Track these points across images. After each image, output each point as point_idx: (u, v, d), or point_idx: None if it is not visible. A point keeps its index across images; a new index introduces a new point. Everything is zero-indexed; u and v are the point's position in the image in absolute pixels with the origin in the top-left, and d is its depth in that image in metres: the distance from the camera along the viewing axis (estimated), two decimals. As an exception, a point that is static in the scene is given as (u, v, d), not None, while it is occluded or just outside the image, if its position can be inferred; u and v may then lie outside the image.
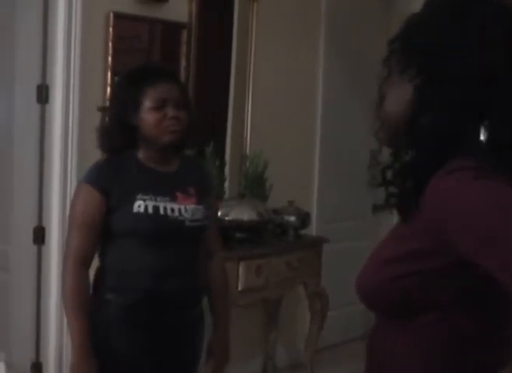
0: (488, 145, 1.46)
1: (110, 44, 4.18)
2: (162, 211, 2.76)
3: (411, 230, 1.46)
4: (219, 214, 4.23)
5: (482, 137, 1.48)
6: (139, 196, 2.75)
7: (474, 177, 1.36)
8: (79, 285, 2.76)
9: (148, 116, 2.76)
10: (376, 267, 1.53)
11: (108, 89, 4.16)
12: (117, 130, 2.82)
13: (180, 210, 2.80)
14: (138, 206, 2.74)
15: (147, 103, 2.76)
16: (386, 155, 1.55)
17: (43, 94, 4.05)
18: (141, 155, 2.85)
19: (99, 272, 2.86)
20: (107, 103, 4.04)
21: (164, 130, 2.77)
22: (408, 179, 1.48)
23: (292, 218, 4.88)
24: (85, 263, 2.79)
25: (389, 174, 1.52)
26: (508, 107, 1.42)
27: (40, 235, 4.11)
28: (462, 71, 1.42)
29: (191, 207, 2.82)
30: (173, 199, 2.80)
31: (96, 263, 2.87)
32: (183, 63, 4.55)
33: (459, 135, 1.43)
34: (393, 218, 1.57)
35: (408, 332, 1.50)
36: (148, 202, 2.75)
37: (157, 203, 2.76)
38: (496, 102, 1.42)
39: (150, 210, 2.74)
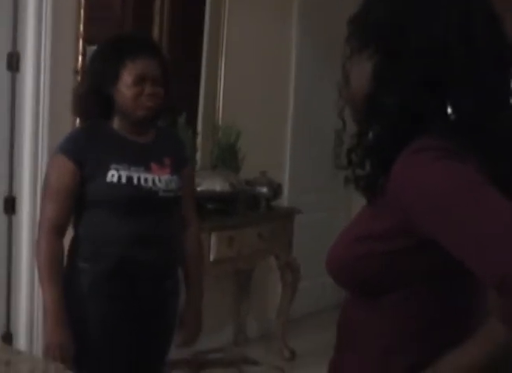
0: (453, 122, 1.45)
1: (82, 12, 4.13)
2: (135, 181, 2.75)
3: (379, 209, 1.46)
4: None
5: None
6: (113, 166, 2.74)
7: (436, 157, 1.35)
8: (53, 253, 2.76)
9: (125, 90, 2.75)
10: (346, 245, 1.53)
11: (80, 58, 4.12)
12: (93, 99, 2.82)
13: (153, 180, 2.79)
14: (112, 175, 2.73)
15: (126, 77, 2.75)
16: (350, 134, 1.53)
17: (13, 62, 4.00)
18: (116, 124, 2.84)
19: (74, 241, 2.85)
20: (79, 72, 4.01)
21: (139, 106, 2.77)
22: (372, 160, 1.48)
23: (265, 189, 4.88)
24: (60, 232, 2.79)
25: (354, 156, 1.51)
26: (466, 81, 1.41)
27: (10, 205, 4.08)
28: (416, 47, 1.41)
29: (165, 177, 2.82)
30: (148, 169, 2.80)
31: (70, 233, 2.86)
32: (155, 32, 4.53)
33: (421, 112, 1.42)
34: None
35: (378, 309, 1.50)
36: (121, 172, 2.74)
37: (131, 173, 2.75)
38: (454, 76, 1.41)
39: (124, 179, 2.73)
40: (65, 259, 2.82)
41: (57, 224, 2.77)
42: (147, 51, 2.80)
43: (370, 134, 1.48)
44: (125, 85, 2.75)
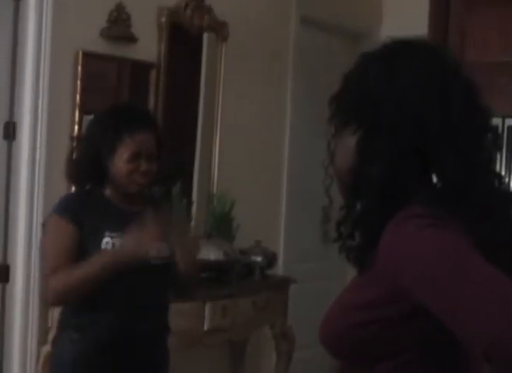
0: (439, 191, 1.47)
1: (79, 83, 4.18)
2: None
3: (370, 278, 1.47)
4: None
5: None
6: (107, 234, 2.74)
7: (423, 226, 1.37)
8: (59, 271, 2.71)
9: (121, 164, 2.77)
10: (337, 315, 1.53)
11: (76, 127, 4.15)
12: (88, 167, 2.83)
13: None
14: (106, 243, 2.73)
15: (122, 152, 2.76)
16: (337, 210, 1.55)
17: (10, 131, 4.03)
18: (108, 192, 2.85)
19: (64, 311, 2.83)
20: (74, 142, 4.04)
21: (133, 182, 2.79)
22: (361, 232, 1.49)
23: (259, 258, 4.87)
24: None
25: (343, 228, 1.53)
26: (449, 152, 1.43)
27: (4, 273, 4.06)
28: (394, 121, 1.44)
29: (156, 244, 2.81)
30: (139, 237, 2.79)
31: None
32: (151, 102, 4.56)
33: (406, 183, 1.44)
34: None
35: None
36: (115, 239, 2.74)
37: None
38: (436, 147, 1.43)
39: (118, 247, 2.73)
40: (54, 329, 2.79)
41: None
42: (144, 126, 2.82)
43: (358, 207, 1.50)
44: (121, 160, 2.76)
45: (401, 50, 1.52)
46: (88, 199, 2.83)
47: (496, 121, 1.52)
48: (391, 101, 1.45)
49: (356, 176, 1.48)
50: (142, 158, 2.78)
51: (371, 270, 1.46)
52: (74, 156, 2.97)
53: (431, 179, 1.50)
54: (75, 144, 3.98)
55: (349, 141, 1.51)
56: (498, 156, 1.54)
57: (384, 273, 1.41)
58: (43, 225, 2.87)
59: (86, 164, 2.83)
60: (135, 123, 2.80)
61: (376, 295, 1.45)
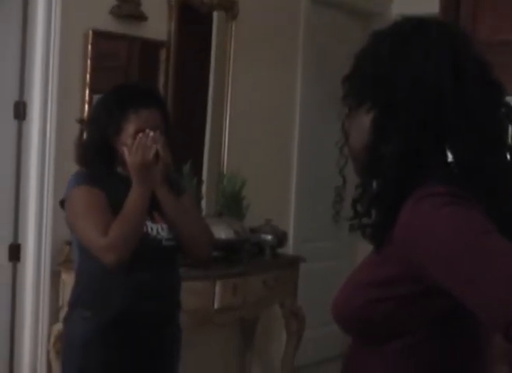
0: (455, 167, 1.47)
1: (89, 62, 4.18)
2: (144, 229, 2.75)
3: (386, 256, 1.47)
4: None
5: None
6: None
7: (442, 203, 1.37)
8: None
9: (128, 141, 2.74)
10: (352, 291, 1.54)
11: (86, 107, 4.15)
12: (96, 149, 2.81)
13: (157, 229, 2.79)
14: None
15: (129, 129, 2.74)
16: (350, 190, 1.55)
17: (20, 111, 4.04)
18: (119, 170, 2.84)
19: (75, 289, 2.84)
20: (85, 118, 4.04)
21: None
22: (378, 209, 1.50)
23: (269, 237, 4.87)
24: None
25: (359, 206, 1.53)
26: (463, 126, 1.44)
27: (15, 252, 4.08)
28: (411, 97, 1.44)
29: (166, 225, 2.82)
30: (152, 218, 2.79)
31: (71, 281, 2.84)
32: (161, 81, 4.56)
33: (422, 160, 1.45)
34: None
35: (382, 356, 1.50)
36: None
37: None
38: (451, 122, 1.44)
39: None
40: (65, 308, 2.79)
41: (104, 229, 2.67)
42: (150, 103, 2.80)
43: (374, 184, 1.50)
44: (128, 137, 2.74)
45: (413, 27, 1.52)
46: (102, 176, 2.81)
47: (508, 100, 1.51)
48: (405, 77, 1.46)
49: (372, 153, 1.48)
50: None
51: (387, 248, 1.46)
52: (82, 140, 2.94)
53: (446, 155, 1.50)
54: (83, 126, 3.97)
55: (364, 120, 1.51)
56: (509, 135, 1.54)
57: (401, 251, 1.42)
58: (65, 201, 2.80)
59: (95, 147, 2.81)
60: (139, 100, 2.78)
61: (392, 273, 1.45)
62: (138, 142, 2.69)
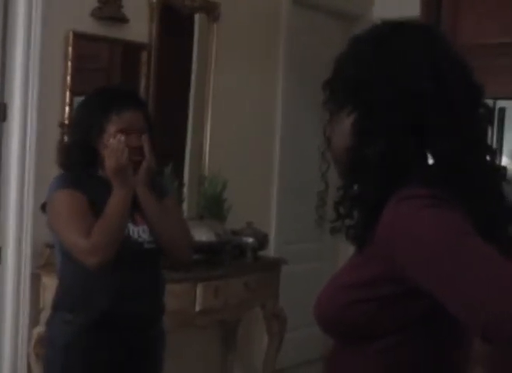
0: (435, 169, 1.48)
1: (70, 64, 4.17)
2: (125, 231, 2.75)
3: (368, 257, 1.48)
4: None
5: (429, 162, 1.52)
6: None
7: (423, 205, 1.38)
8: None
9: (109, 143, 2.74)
10: (334, 292, 1.54)
11: (67, 109, 4.14)
12: (78, 151, 2.80)
13: (138, 231, 2.78)
14: None
15: (111, 131, 2.74)
16: (332, 194, 1.56)
17: (0, 112, 4.02)
18: (101, 173, 2.82)
19: (58, 291, 2.83)
20: (66, 122, 4.03)
21: None
22: (360, 210, 1.51)
23: (251, 240, 4.87)
24: None
25: (341, 208, 1.54)
26: (444, 127, 1.45)
27: (-5, 254, 4.06)
28: (389, 98, 1.46)
29: (146, 227, 2.81)
30: (133, 221, 2.79)
31: (54, 283, 2.83)
32: (143, 83, 4.55)
33: (403, 161, 1.46)
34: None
35: (364, 357, 1.51)
36: None
37: None
38: (431, 123, 1.45)
39: None
40: (46, 310, 2.78)
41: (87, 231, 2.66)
42: (132, 104, 2.80)
43: (356, 186, 1.51)
44: (109, 138, 2.73)
45: (391, 29, 1.54)
46: (84, 178, 2.80)
47: (488, 103, 1.53)
48: (384, 79, 1.47)
49: (354, 155, 1.49)
50: (132, 135, 2.76)
51: (369, 249, 1.47)
52: (64, 143, 2.93)
53: (425, 156, 1.51)
54: (65, 130, 3.96)
55: (345, 123, 1.52)
56: (489, 136, 1.55)
57: (383, 252, 1.42)
58: (46, 205, 2.79)
59: (77, 149, 2.80)
60: (121, 102, 2.78)
61: (374, 273, 1.46)
62: (111, 147, 2.70)
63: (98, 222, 2.66)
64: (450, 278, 1.30)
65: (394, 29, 1.54)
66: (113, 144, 2.70)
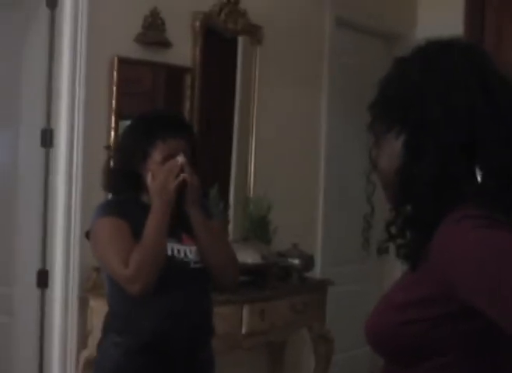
0: (485, 188, 1.47)
1: (115, 88, 4.21)
2: (169, 252, 2.75)
3: (420, 277, 1.47)
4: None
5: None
6: None
7: (476, 226, 1.36)
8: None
9: (154, 169, 2.75)
10: (386, 312, 1.53)
11: (112, 133, 4.18)
12: (122, 176, 2.83)
13: (185, 251, 2.78)
14: None
15: (156, 156, 2.75)
16: (378, 218, 1.55)
17: (47, 138, 4.07)
18: (145, 198, 2.83)
19: (108, 316, 2.84)
20: (111, 146, 4.06)
21: None
22: (412, 231, 1.50)
23: (296, 261, 4.86)
24: None
25: (393, 229, 1.53)
26: (495, 146, 1.43)
27: (43, 279, 4.10)
28: (441, 118, 1.44)
29: (194, 248, 2.81)
30: (179, 240, 2.79)
31: (105, 309, 2.85)
32: (187, 106, 4.58)
33: (454, 180, 1.45)
34: (397, 261, 1.57)
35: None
36: None
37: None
38: (481, 140, 1.44)
39: None
40: (94, 333, 2.80)
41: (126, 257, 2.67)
42: (178, 132, 2.80)
43: (407, 207, 1.50)
44: (154, 164, 2.75)
45: (437, 49, 1.53)
46: (127, 205, 2.83)
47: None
48: (435, 96, 1.46)
49: (405, 176, 1.48)
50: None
51: (422, 269, 1.46)
52: (109, 166, 2.96)
53: (474, 173, 1.48)
54: (111, 153, 3.99)
55: (394, 145, 1.51)
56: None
57: (436, 272, 1.41)
58: (90, 233, 2.82)
59: (122, 173, 2.83)
60: (168, 128, 2.79)
61: (427, 293, 1.44)
62: (165, 167, 2.71)
63: (136, 249, 2.67)
64: (504, 296, 1.28)
65: (440, 46, 1.53)
66: (169, 164, 2.71)
